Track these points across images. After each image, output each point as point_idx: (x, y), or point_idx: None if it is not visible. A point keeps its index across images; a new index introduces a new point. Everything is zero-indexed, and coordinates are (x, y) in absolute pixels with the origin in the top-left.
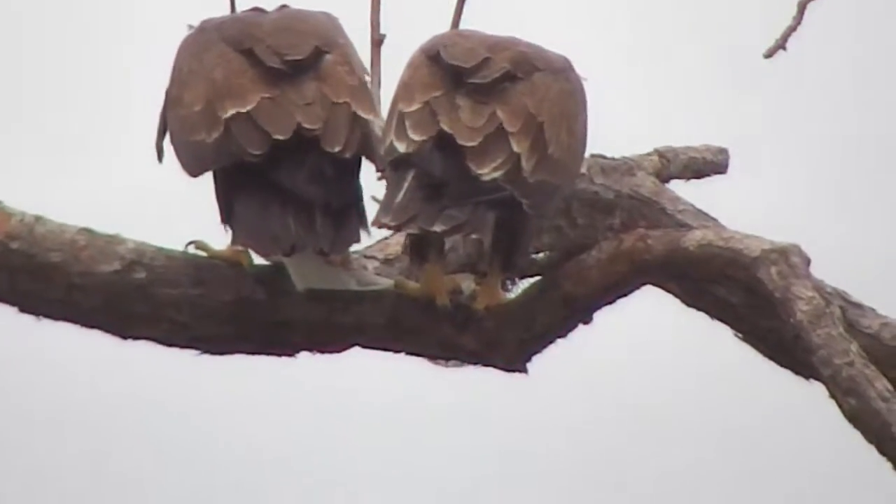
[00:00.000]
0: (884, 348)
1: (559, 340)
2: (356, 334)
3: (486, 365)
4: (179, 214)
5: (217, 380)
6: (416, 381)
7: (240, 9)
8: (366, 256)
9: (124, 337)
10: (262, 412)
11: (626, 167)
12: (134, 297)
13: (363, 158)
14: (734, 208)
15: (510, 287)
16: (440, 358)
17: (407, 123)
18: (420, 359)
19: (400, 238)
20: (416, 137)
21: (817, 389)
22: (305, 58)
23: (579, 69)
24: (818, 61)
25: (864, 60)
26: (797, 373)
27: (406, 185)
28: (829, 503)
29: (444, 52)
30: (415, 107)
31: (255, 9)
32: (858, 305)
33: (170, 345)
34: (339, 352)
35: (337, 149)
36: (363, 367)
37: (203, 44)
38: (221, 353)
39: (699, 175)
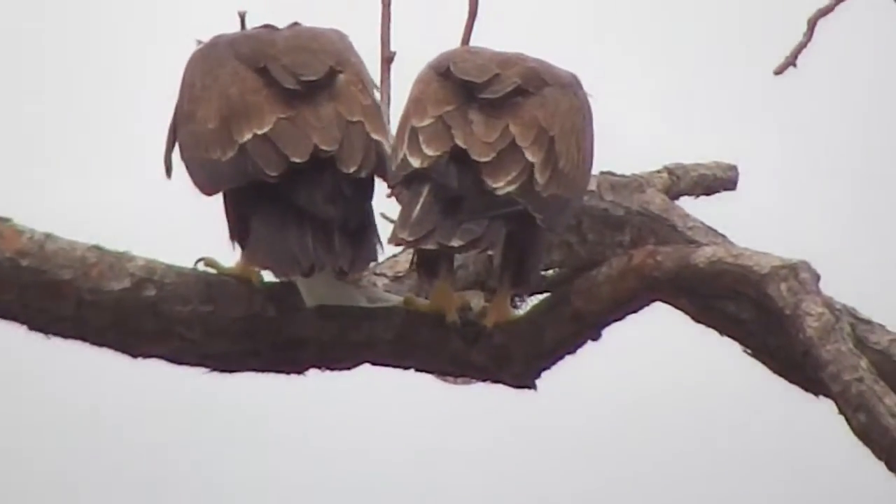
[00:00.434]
0: (893, 364)
1: (568, 356)
2: (366, 351)
3: (495, 381)
4: (189, 231)
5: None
6: (424, 396)
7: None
8: (375, 274)
9: (134, 355)
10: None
11: (636, 184)
12: (144, 314)
13: (375, 178)
14: (744, 225)
15: (520, 304)
16: (449, 374)
17: (420, 138)
18: (429, 375)
19: (409, 255)
20: (430, 152)
21: (827, 406)
22: (320, 78)
23: (589, 86)
24: (828, 78)
25: (874, 77)
26: (807, 389)
27: (422, 199)
28: None
29: (454, 67)
30: (427, 121)
31: (267, 26)
32: (868, 322)
33: (180, 362)
34: (348, 369)
35: (353, 169)
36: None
37: (216, 59)
38: (231, 371)
39: (709, 191)
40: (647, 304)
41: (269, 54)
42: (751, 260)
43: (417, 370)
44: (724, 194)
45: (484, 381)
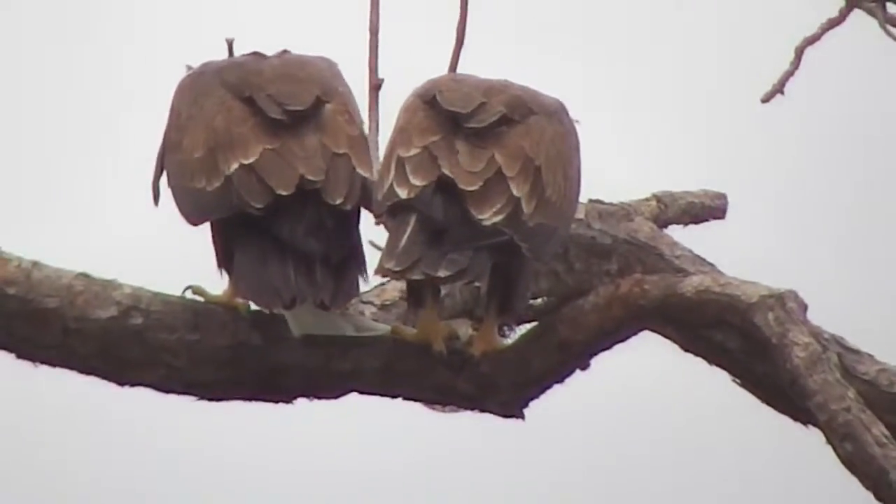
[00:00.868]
0: (881, 394)
1: (556, 386)
2: (353, 380)
3: (482, 410)
4: (175, 259)
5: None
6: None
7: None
8: (363, 302)
9: (121, 383)
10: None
11: (624, 212)
12: (130, 342)
13: (362, 208)
14: (732, 253)
15: (507, 333)
16: (437, 403)
17: (407, 168)
18: (417, 404)
19: (397, 284)
20: (416, 182)
21: (814, 435)
22: (306, 108)
23: (576, 113)
24: (816, 106)
25: (861, 104)
26: (794, 418)
27: (408, 230)
28: None
29: (440, 97)
30: (413, 151)
31: (255, 53)
32: (855, 351)
33: (166, 391)
34: (335, 398)
35: (338, 201)
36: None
37: (203, 88)
38: (218, 399)
39: (697, 220)
40: (635, 334)
41: (256, 83)
42: (738, 289)
43: (405, 399)
44: (713, 223)
45: (471, 409)
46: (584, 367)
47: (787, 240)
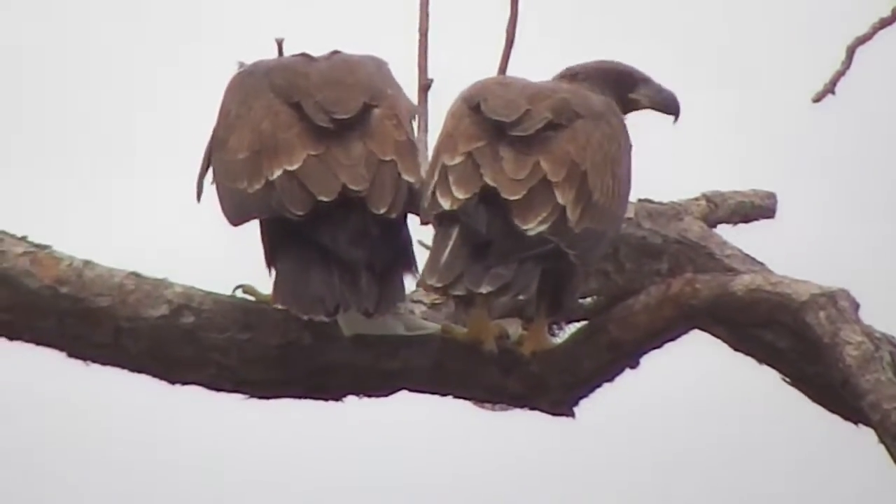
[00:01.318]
0: None
1: (606, 385)
2: (402, 379)
3: (532, 409)
4: (225, 258)
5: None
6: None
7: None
8: (413, 301)
9: (171, 382)
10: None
11: (674, 212)
12: (181, 341)
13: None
14: (782, 253)
15: (557, 332)
16: (486, 402)
17: (450, 179)
18: (466, 402)
19: None
20: (459, 195)
21: (866, 434)
22: (353, 116)
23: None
24: (867, 106)
25: None
26: (846, 418)
27: (451, 242)
28: None
29: (484, 105)
30: (458, 160)
31: (304, 55)
32: None
33: (217, 389)
34: (385, 396)
35: (383, 210)
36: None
37: (252, 89)
38: (268, 398)
39: (747, 219)
40: (685, 333)
41: (304, 89)
42: (789, 288)
43: (454, 398)
44: (763, 222)
45: (521, 408)
46: (634, 365)
47: (837, 239)
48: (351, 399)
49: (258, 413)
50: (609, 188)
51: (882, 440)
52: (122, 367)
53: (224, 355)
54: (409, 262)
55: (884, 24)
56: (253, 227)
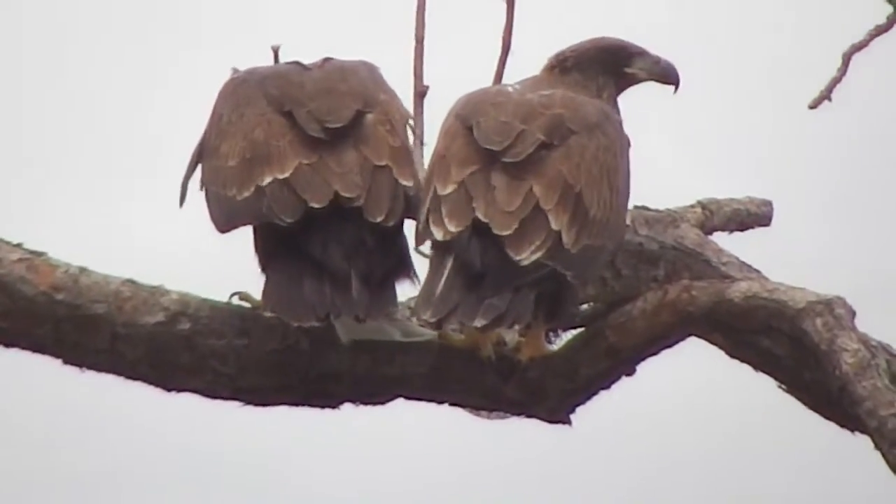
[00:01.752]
0: None
1: (602, 392)
2: (400, 385)
3: (529, 416)
4: (220, 265)
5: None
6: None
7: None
8: (409, 307)
9: (168, 389)
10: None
11: (670, 219)
12: (178, 348)
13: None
14: (778, 260)
15: (554, 338)
16: (483, 409)
17: (443, 210)
18: (462, 410)
19: None
20: (452, 228)
21: (862, 441)
22: (345, 125)
23: (622, 121)
24: (863, 113)
25: None
26: (842, 425)
27: (446, 272)
28: None
29: (476, 130)
30: (450, 188)
31: (296, 63)
32: None
33: (214, 396)
34: (382, 403)
35: (380, 218)
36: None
37: (244, 96)
38: (265, 405)
39: (743, 227)
40: (682, 339)
41: (296, 98)
42: (786, 295)
43: (451, 405)
44: (759, 230)
45: (518, 415)
46: (630, 372)
47: (834, 247)
48: (347, 407)
49: (255, 419)
50: (607, 201)
51: (878, 447)
52: (119, 374)
53: (222, 362)
54: (406, 269)
55: (879, 31)
56: (249, 234)
